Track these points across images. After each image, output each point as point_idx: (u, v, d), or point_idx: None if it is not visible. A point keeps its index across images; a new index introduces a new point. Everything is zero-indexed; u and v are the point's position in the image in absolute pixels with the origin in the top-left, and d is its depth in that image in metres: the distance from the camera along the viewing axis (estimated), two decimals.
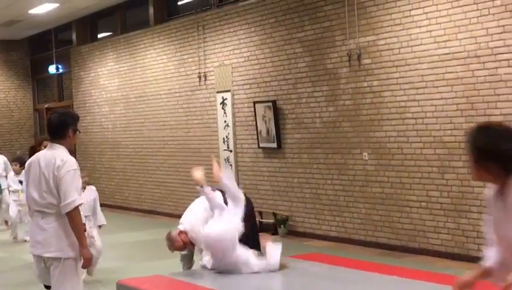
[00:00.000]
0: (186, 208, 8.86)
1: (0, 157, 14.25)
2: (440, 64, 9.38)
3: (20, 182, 11.53)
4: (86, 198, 8.51)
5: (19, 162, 12.18)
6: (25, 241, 11.18)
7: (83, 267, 5.86)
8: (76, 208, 5.58)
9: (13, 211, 12.24)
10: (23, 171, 6.48)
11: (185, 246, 8.06)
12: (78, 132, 5.91)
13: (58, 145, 5.74)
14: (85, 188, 9.10)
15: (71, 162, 5.66)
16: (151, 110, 15.82)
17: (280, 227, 11.98)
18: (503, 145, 3.57)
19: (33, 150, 9.35)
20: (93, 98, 18.17)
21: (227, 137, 13.35)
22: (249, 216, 8.24)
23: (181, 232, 8.08)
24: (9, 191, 12.72)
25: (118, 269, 9.53)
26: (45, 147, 6.18)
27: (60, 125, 5.76)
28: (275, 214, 12.18)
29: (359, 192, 10.70)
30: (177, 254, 8.30)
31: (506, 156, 3.57)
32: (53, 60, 19.98)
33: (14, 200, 12.26)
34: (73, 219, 5.57)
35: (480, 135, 3.65)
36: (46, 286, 5.98)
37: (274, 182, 12.36)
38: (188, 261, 8.46)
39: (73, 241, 5.62)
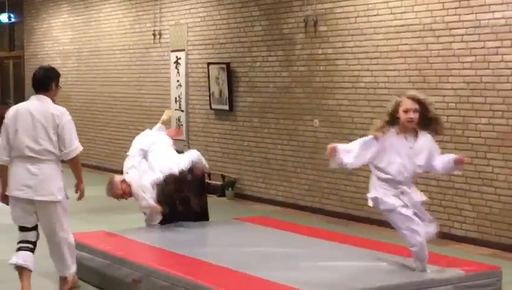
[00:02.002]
0: None
1: None
2: (395, 35, 9.41)
3: None
4: None
5: None
6: None
7: (78, 198, 6.50)
8: (77, 154, 6.24)
9: None
10: None
11: (123, 196, 8.04)
12: (59, 87, 6.45)
13: (45, 97, 6.23)
14: None
15: (65, 112, 6.23)
16: (104, 66, 15.63)
17: (228, 189, 11.99)
18: None
19: None
20: (45, 49, 17.86)
21: (179, 97, 13.26)
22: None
23: (124, 181, 8.00)
24: None
25: None
26: None
27: (44, 78, 6.27)
28: (223, 176, 12.19)
29: (308, 158, 10.75)
30: (120, 210, 8.28)
31: None
32: (5, 9, 19.54)
33: None
34: (76, 163, 6.32)
35: None
36: (22, 228, 6.30)
37: (224, 144, 12.35)
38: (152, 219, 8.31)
39: (62, 186, 6.20)
